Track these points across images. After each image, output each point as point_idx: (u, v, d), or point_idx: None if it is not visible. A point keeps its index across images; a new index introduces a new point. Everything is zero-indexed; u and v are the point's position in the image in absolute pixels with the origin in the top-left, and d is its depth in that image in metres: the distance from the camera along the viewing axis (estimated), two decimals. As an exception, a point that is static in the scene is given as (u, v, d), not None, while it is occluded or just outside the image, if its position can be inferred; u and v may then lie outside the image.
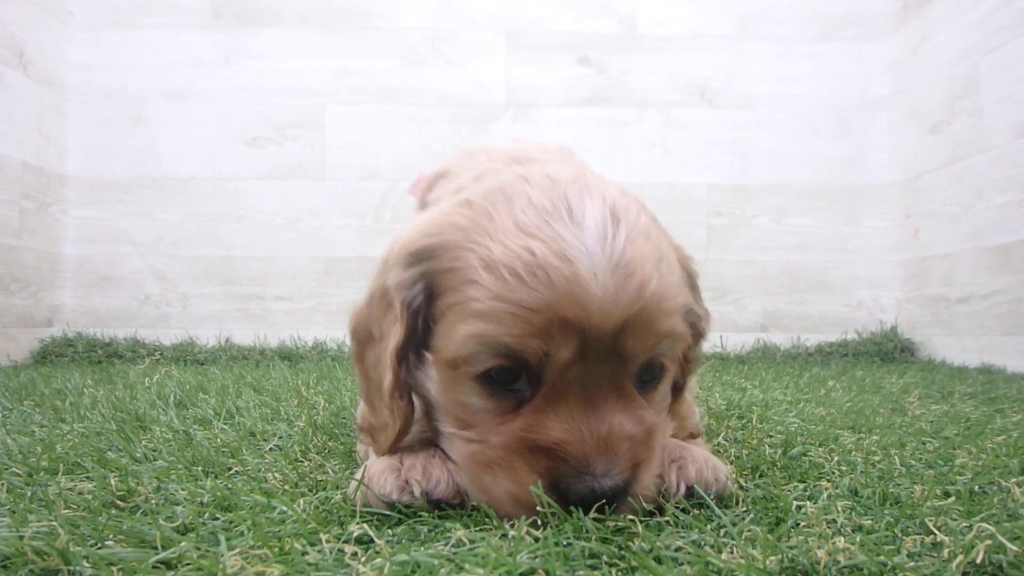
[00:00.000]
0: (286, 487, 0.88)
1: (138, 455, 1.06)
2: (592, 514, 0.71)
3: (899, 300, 3.23)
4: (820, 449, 1.11)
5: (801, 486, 0.87)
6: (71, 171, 3.26)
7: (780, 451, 1.07)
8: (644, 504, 0.75)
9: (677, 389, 0.93)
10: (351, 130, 3.30)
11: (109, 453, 1.07)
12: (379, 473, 0.81)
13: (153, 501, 0.82)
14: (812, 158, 3.31)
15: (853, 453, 1.08)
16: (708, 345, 3.09)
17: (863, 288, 3.28)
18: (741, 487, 0.87)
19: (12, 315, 2.92)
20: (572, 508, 0.72)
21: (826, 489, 0.86)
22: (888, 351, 2.99)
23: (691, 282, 0.90)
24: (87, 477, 0.94)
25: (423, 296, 0.81)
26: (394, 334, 0.81)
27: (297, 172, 3.30)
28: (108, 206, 3.28)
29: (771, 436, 1.21)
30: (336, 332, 3.12)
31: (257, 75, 3.32)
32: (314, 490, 0.86)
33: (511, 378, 0.77)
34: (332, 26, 3.32)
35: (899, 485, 0.88)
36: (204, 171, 3.29)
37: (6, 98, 2.90)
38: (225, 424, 1.33)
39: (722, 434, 1.18)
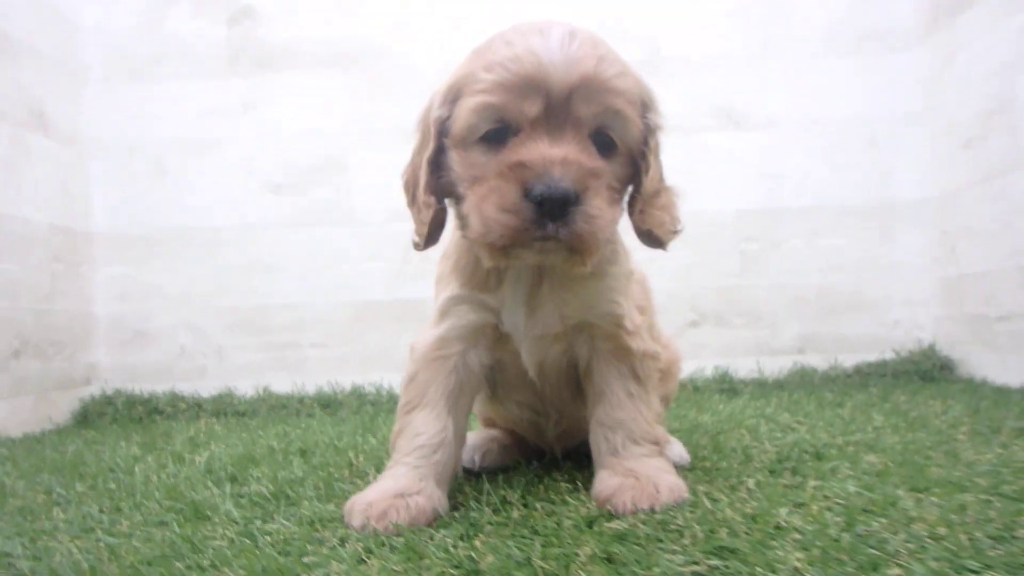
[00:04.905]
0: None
1: (205, 563, 1.07)
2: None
3: (937, 318, 3.19)
4: (883, 520, 1.10)
5: (875, 580, 0.87)
6: (97, 228, 3.30)
7: (843, 523, 1.07)
8: (595, 227, 1.05)
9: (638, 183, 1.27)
10: (376, 172, 3.26)
11: (178, 563, 1.07)
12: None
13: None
14: (842, 177, 3.23)
15: (916, 523, 1.07)
16: (746, 370, 3.13)
17: (899, 307, 3.23)
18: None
19: (51, 379, 2.97)
20: (539, 205, 1.02)
21: (901, 584, 0.86)
22: (927, 370, 2.96)
23: (646, 98, 1.26)
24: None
25: (448, 112, 1.17)
26: (427, 148, 1.19)
27: (324, 218, 3.30)
28: (136, 262, 3.31)
29: (829, 502, 1.20)
30: (372, 376, 3.13)
31: (277, 120, 3.31)
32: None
33: (503, 137, 1.10)
34: (352, 66, 3.30)
35: (971, 571, 0.87)
36: (230, 220, 3.31)
37: (30, 162, 2.94)
38: (285, 509, 1.34)
39: (785, 508, 1.17)
